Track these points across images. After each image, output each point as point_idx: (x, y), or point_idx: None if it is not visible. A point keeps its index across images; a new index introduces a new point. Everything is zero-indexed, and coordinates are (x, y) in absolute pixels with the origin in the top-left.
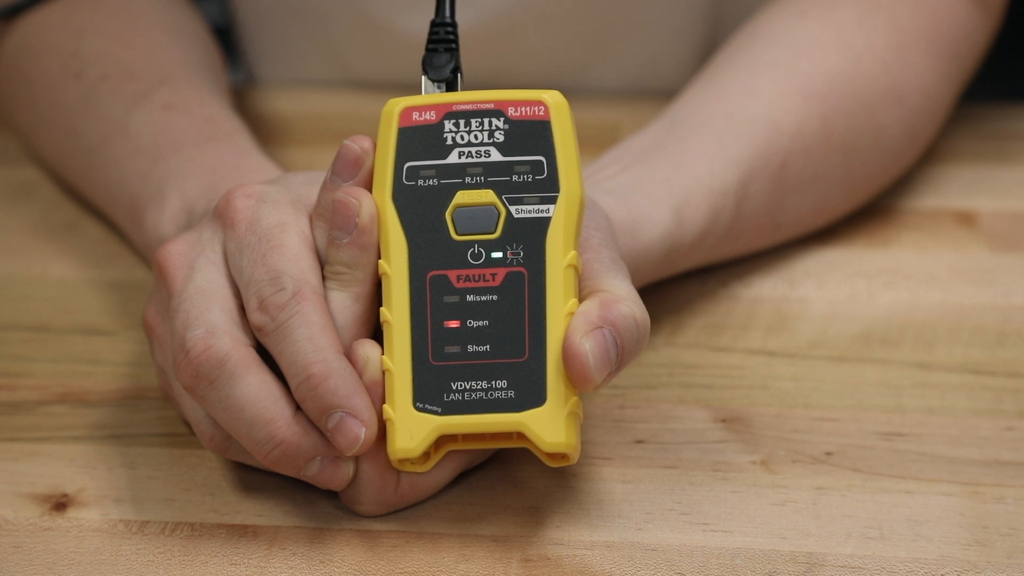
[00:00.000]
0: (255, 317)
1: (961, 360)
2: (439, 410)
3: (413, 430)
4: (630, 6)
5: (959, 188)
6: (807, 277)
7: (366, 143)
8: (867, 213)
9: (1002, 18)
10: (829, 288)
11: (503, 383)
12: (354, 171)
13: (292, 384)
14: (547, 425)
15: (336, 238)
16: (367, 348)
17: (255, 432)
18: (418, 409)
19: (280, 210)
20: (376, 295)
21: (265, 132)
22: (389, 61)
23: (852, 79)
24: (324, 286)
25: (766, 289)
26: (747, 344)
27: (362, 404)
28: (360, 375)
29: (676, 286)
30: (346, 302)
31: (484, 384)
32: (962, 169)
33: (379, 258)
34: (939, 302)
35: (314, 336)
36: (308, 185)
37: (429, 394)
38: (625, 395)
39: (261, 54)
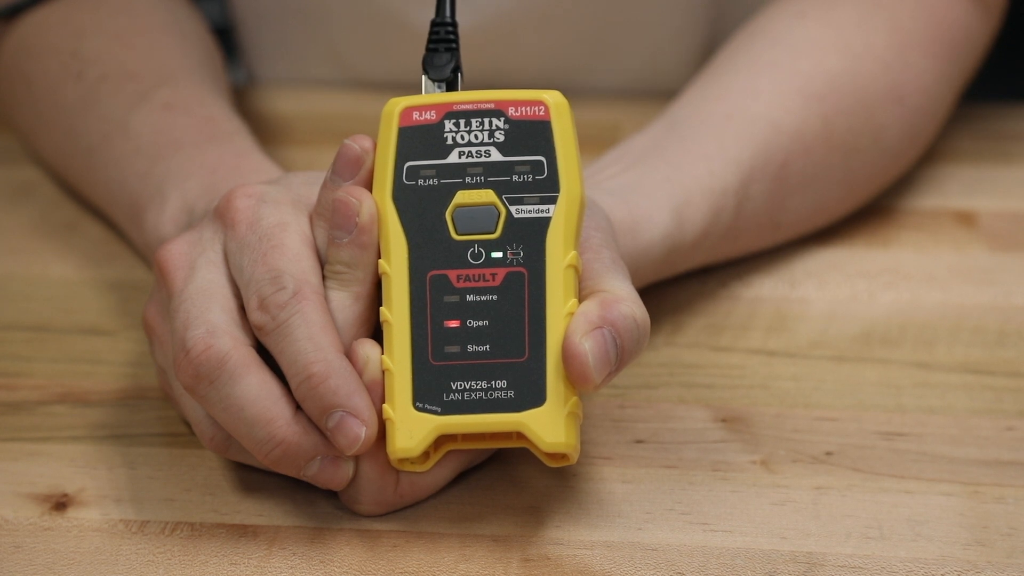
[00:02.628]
0: (255, 316)
1: (961, 360)
2: (439, 410)
3: (413, 430)
4: (630, 6)
5: (959, 188)
6: (807, 277)
7: (366, 143)
8: (867, 213)
9: (1002, 18)
10: (829, 288)
11: (503, 383)
12: (354, 170)
13: (292, 383)
14: (547, 425)
15: (336, 237)
16: (367, 348)
17: (255, 432)
18: (418, 409)
19: (280, 210)
20: (376, 295)
21: (265, 132)
22: (390, 60)
23: (852, 79)
24: (324, 285)
25: (766, 289)
26: (747, 344)
27: (362, 404)
28: (360, 375)
29: (676, 286)
30: (346, 301)
31: (484, 384)
32: (962, 169)
33: (379, 258)
34: (939, 302)
35: (314, 335)
36: (308, 185)
37: (429, 394)
38: (625, 395)
39: (261, 54)
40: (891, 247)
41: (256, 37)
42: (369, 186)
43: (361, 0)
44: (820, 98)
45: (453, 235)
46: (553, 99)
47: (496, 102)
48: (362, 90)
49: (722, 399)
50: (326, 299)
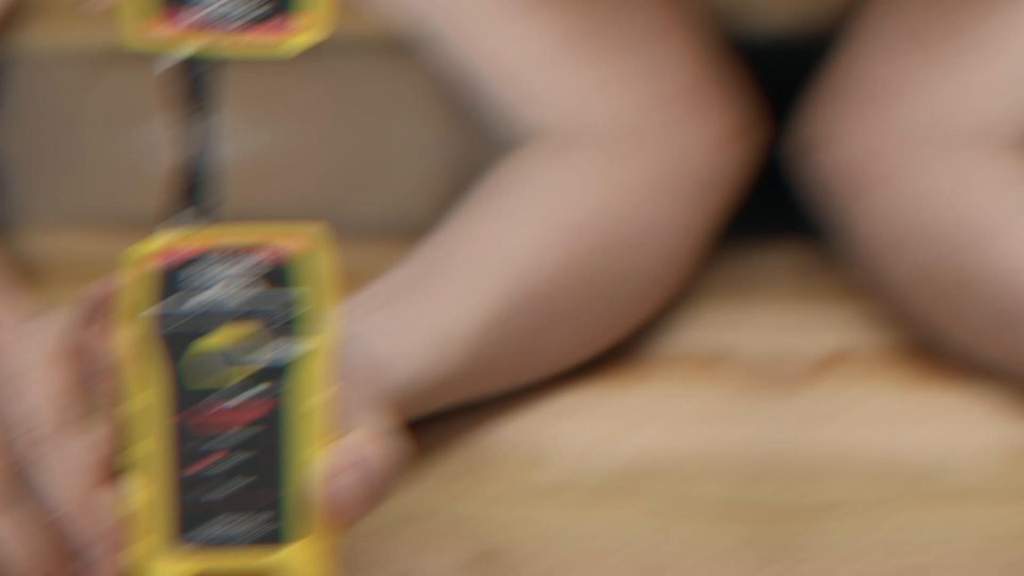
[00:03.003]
0: (4, 457)
1: (721, 497)
2: (195, 547)
3: (168, 571)
4: (375, 148)
5: (712, 324)
6: (566, 412)
7: (114, 285)
8: (624, 349)
9: (756, 162)
10: (586, 424)
11: (261, 518)
12: (102, 313)
13: (43, 524)
14: (305, 562)
15: (86, 379)
16: (118, 488)
17: (13, 570)
18: (173, 547)
19: (32, 350)
20: (128, 435)
21: (21, 270)
22: (144, 198)
23: (607, 219)
24: (75, 426)
25: (524, 424)
26: (506, 479)
27: (113, 545)
28: (111, 514)
29: (433, 421)
30: (97, 442)
31: (241, 519)
32: (715, 305)
33: (129, 398)
34: (693, 439)
35: (64, 475)
36: (58, 325)
37: (185, 531)
38: (382, 531)
39: (24, 191)
40: (644, 385)
41: (20, 175)
42: (117, 329)
43: (112, 142)
44: (576, 237)
45: (208, 373)
46: (312, 234)
47: (254, 237)
48: (118, 229)
49: (478, 535)
50: (77, 440)
